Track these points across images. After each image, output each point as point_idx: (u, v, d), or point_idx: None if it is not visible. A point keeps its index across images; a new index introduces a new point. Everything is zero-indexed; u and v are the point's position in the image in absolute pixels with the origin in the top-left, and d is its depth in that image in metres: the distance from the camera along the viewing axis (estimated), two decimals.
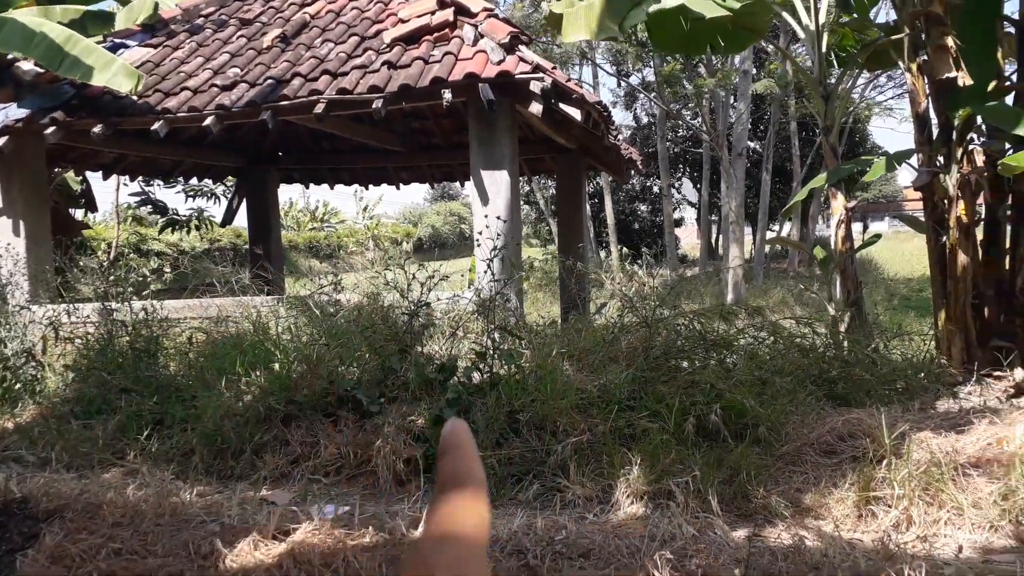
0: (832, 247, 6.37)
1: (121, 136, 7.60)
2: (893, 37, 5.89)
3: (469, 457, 0.53)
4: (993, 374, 5.01)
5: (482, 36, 6.53)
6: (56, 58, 6.06)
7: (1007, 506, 2.97)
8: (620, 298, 5.32)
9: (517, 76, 5.98)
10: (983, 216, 5.51)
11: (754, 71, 19.60)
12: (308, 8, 8.10)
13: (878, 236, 7.03)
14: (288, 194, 59.74)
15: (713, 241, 29.64)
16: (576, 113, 6.37)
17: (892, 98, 28.18)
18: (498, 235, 6.18)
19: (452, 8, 6.95)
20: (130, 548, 2.85)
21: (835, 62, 7.18)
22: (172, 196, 26.20)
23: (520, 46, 6.42)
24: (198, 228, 13.64)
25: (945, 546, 2.83)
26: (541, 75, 5.96)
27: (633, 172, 11.03)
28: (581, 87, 7.16)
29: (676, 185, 29.86)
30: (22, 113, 6.64)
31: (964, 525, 2.95)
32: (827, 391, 4.56)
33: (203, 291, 6.41)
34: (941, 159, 5.45)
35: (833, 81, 6.76)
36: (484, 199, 6.48)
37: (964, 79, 5.21)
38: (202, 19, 8.26)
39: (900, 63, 5.92)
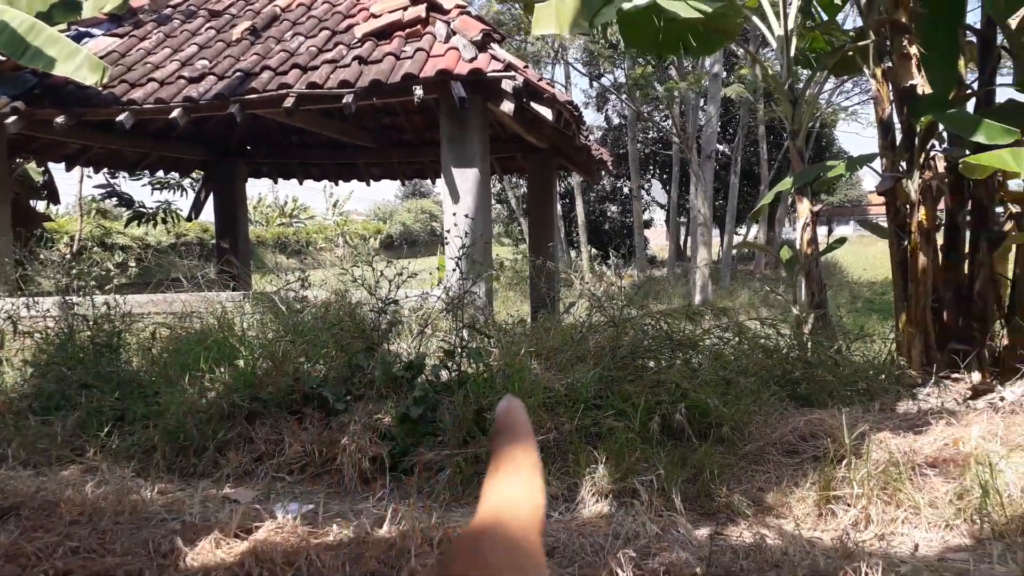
0: (798, 250, 6.45)
1: (85, 127, 7.45)
2: (859, 44, 5.99)
3: (524, 438, 0.51)
4: (951, 376, 5.13)
5: (454, 33, 6.52)
6: (19, 48, 5.92)
7: (962, 505, 3.03)
8: (589, 298, 5.34)
9: (489, 74, 5.98)
10: (943, 221, 5.63)
11: (724, 74, 19.80)
12: (278, 1, 8.02)
13: (843, 240, 7.13)
14: (257, 189, 59.07)
15: (681, 243, 29.91)
16: (547, 112, 6.38)
17: (858, 103, 28.73)
18: (467, 233, 6.17)
19: (424, 4, 6.93)
20: (88, 546, 2.79)
21: (812, 62, 7.25)
22: (138, 189, 25.79)
23: (492, 44, 6.42)
24: (164, 221, 13.41)
25: (902, 544, 2.89)
26: (513, 73, 5.96)
27: (604, 173, 11.07)
28: (553, 86, 7.18)
29: (646, 187, 30.06)
30: None
31: (921, 524, 3.01)
32: (790, 391, 4.61)
33: (168, 286, 6.31)
34: (904, 164, 5.55)
35: (801, 86, 6.85)
36: (455, 196, 6.47)
37: (926, 87, 5.32)
38: (170, 9, 8.14)
39: (865, 69, 6.02)
